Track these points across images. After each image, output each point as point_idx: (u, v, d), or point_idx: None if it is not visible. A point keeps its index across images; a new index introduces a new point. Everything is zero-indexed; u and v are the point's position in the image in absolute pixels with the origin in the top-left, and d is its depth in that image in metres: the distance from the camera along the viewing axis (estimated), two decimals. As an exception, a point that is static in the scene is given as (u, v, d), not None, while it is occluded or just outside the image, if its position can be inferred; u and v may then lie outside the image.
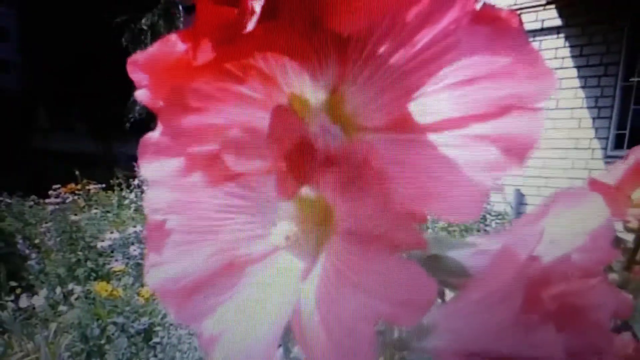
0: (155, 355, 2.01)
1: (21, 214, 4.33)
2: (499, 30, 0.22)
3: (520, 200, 4.81)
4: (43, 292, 2.53)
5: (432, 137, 0.22)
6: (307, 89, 0.24)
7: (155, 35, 11.63)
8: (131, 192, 5.15)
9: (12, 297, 2.59)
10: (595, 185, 0.60)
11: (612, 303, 0.26)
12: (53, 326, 2.22)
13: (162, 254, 0.27)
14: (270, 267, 0.27)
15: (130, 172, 5.37)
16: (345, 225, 0.22)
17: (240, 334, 0.26)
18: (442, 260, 0.28)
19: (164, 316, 2.21)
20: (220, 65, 0.22)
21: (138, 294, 2.37)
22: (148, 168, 0.25)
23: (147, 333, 2.12)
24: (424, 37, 0.22)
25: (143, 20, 11.55)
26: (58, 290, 2.64)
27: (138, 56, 0.23)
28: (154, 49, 0.23)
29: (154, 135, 0.25)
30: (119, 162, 6.93)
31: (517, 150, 0.22)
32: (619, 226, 0.60)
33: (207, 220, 0.27)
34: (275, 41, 0.22)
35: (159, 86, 0.23)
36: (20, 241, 3.27)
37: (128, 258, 2.86)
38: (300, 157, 0.22)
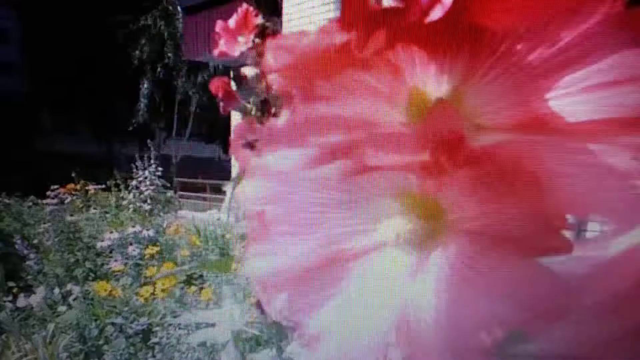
0: (153, 356, 2.01)
1: (20, 214, 4.33)
2: None
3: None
4: (40, 292, 2.53)
5: (570, 139, 0.21)
6: (431, 83, 0.23)
7: (153, 37, 11.63)
8: (129, 192, 5.15)
9: (10, 298, 2.59)
10: None
11: None
12: (51, 326, 2.22)
13: (263, 245, 0.27)
14: (374, 264, 0.26)
15: (129, 174, 5.38)
16: (475, 225, 0.21)
17: (345, 332, 0.25)
18: None
19: (163, 316, 2.20)
20: (356, 54, 0.21)
21: (137, 294, 2.37)
22: (275, 157, 0.24)
23: (146, 333, 2.12)
24: (567, 36, 0.21)
25: (141, 22, 11.54)
26: (56, 290, 2.64)
27: (289, 41, 0.22)
28: (312, 36, 0.22)
29: (279, 123, 0.24)
30: (118, 163, 6.93)
31: None
32: None
33: (308, 213, 0.26)
34: (417, 30, 0.21)
35: (299, 73, 0.22)
36: (19, 241, 3.26)
37: (127, 258, 2.87)
38: (449, 152, 0.21)
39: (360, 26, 0.21)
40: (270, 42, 0.23)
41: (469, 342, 0.20)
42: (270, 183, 0.26)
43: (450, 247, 0.22)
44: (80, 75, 13.34)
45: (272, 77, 0.23)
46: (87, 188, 4.88)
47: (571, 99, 0.21)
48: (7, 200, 4.66)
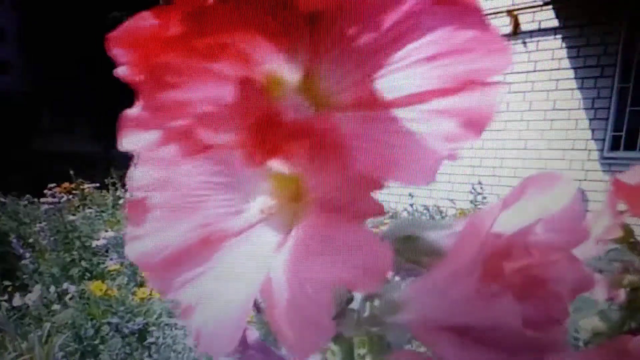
0: (150, 356, 2.00)
1: (16, 213, 4.31)
2: (458, 10, 0.23)
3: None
4: (36, 291, 2.52)
5: (396, 112, 0.24)
6: (282, 68, 0.25)
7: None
8: (126, 191, 5.13)
9: (6, 297, 2.58)
10: (617, 184, 0.61)
11: (572, 276, 0.28)
12: (47, 326, 2.21)
13: (142, 228, 0.29)
14: (246, 241, 0.28)
15: (125, 172, 5.37)
16: (314, 196, 0.24)
17: (215, 302, 0.27)
18: (418, 241, 0.30)
19: (159, 316, 2.20)
20: (192, 42, 0.23)
21: (133, 294, 2.36)
22: (126, 140, 0.26)
23: (142, 333, 2.12)
24: (390, 17, 0.23)
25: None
26: (52, 289, 2.63)
27: (114, 32, 0.24)
28: (128, 23, 0.24)
29: (133, 110, 0.26)
30: (115, 162, 6.91)
31: (474, 123, 0.23)
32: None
33: (187, 197, 0.29)
34: (246, 19, 0.23)
35: (138, 62, 0.24)
36: (15, 240, 3.25)
37: (123, 257, 2.84)
38: (264, 128, 0.23)
39: (170, 10, 0.23)
40: (110, 36, 0.24)
41: (313, 302, 0.22)
42: (151, 170, 0.28)
43: (305, 219, 0.24)
44: (78, 74, 13.31)
45: (121, 69, 0.25)
46: (82, 187, 4.86)
47: (398, 74, 0.24)
48: (3, 199, 4.64)
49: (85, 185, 4.92)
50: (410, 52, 0.24)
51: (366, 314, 0.29)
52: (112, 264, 2.79)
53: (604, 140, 4.53)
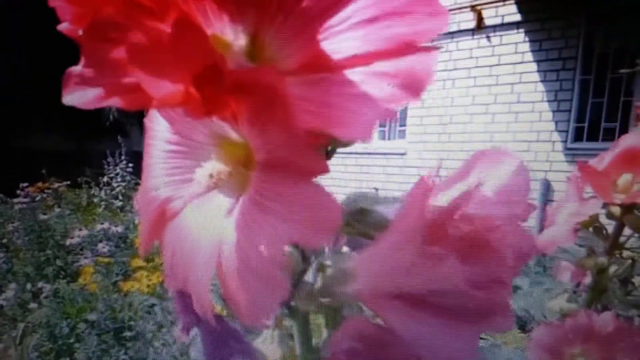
0: (126, 353, 1.99)
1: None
2: None
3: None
4: (11, 290, 2.50)
5: (338, 74, 0.24)
6: (228, 32, 0.25)
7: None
8: (100, 189, 5.05)
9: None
10: (584, 169, 0.65)
11: (514, 239, 0.29)
12: (21, 326, 2.18)
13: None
14: (199, 208, 0.29)
15: (100, 170, 5.27)
16: (259, 156, 0.23)
17: (183, 273, 0.27)
18: (368, 214, 0.32)
19: (136, 312, 2.19)
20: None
21: (118, 290, 2.36)
22: (70, 97, 0.25)
23: (118, 330, 2.10)
24: None
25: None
26: (28, 287, 2.61)
27: None
28: None
29: (77, 67, 0.25)
30: (90, 160, 6.78)
31: (413, 86, 0.23)
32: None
33: (148, 162, 0.31)
34: None
35: (80, 17, 0.23)
36: (-13, 241, 3.19)
37: (97, 255, 2.84)
38: (208, 77, 0.22)
39: None
40: None
41: (267, 260, 0.22)
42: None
43: (254, 180, 0.24)
44: (53, 72, 12.96)
45: (64, 25, 0.24)
46: (58, 185, 4.79)
47: (340, 36, 0.24)
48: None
49: (59, 184, 4.84)
50: (352, 13, 0.24)
51: (318, 284, 0.30)
52: (87, 262, 2.76)
53: (567, 131, 4.62)
